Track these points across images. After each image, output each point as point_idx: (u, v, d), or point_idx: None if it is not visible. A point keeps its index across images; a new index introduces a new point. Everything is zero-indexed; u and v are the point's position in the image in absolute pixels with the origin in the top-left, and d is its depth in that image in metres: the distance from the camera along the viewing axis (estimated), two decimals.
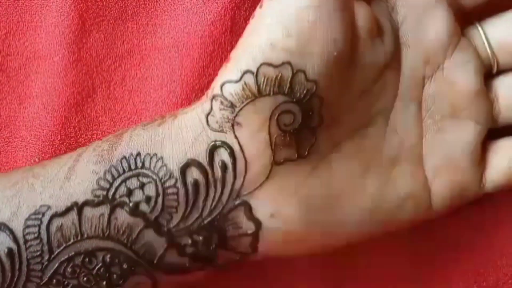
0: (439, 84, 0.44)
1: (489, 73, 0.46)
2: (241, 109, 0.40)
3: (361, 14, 0.42)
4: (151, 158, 0.41)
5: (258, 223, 0.42)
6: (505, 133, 0.47)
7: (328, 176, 0.42)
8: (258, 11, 0.41)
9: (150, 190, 0.41)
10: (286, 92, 0.40)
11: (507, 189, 0.45)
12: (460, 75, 0.44)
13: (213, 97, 0.41)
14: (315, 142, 0.42)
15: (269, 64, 0.40)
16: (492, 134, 0.46)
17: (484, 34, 0.46)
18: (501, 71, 0.46)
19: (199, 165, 0.41)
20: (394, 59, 0.44)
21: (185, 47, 0.48)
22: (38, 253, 0.40)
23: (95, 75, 0.48)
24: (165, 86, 0.48)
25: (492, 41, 0.46)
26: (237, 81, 0.40)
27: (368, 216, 0.43)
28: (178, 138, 0.41)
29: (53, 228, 0.40)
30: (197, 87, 0.47)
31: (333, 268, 0.50)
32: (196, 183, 0.41)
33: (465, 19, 0.46)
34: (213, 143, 0.41)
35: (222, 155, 0.41)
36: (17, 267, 0.40)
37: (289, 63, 0.40)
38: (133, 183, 0.41)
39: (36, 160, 0.47)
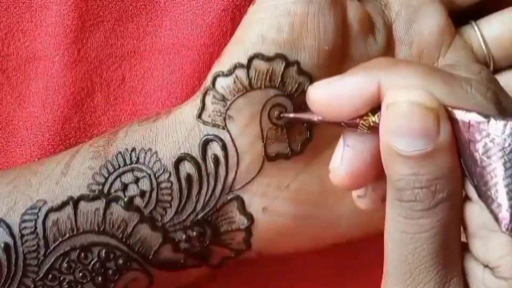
0: None
1: None
2: (232, 102, 0.43)
3: (353, 9, 0.45)
4: (145, 153, 0.44)
5: (250, 218, 0.44)
6: None
7: (321, 172, 0.45)
8: (250, 8, 0.44)
9: (145, 185, 0.44)
10: (277, 85, 0.43)
11: None
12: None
13: (206, 91, 0.44)
14: (309, 138, 0.44)
15: (261, 57, 0.43)
16: None
17: (480, 32, 0.48)
18: (498, 70, 0.48)
19: (192, 159, 0.43)
20: (388, 55, 0.46)
21: (185, 48, 0.50)
22: (34, 247, 0.43)
23: (95, 75, 0.50)
24: (165, 87, 0.50)
25: (488, 40, 0.48)
26: (228, 74, 0.43)
27: (359, 215, 0.45)
28: (172, 133, 0.44)
29: (49, 222, 0.43)
30: (197, 88, 0.48)
31: (333, 268, 0.52)
32: (189, 177, 0.43)
33: (461, 19, 0.48)
34: (205, 137, 0.44)
35: (215, 148, 0.44)
36: (13, 261, 0.43)
37: (280, 56, 0.43)
38: (128, 177, 0.44)
39: (36, 160, 0.49)
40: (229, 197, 0.44)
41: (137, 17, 0.50)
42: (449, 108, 0.35)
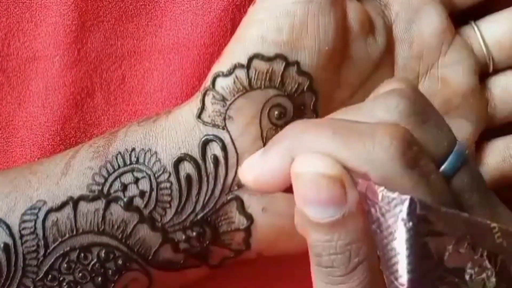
0: (432, 81, 0.47)
1: (485, 72, 0.48)
2: (232, 102, 0.43)
3: (353, 10, 0.45)
4: (145, 153, 0.44)
5: (250, 218, 0.45)
6: (503, 132, 0.48)
7: None
8: (250, 8, 0.44)
9: (144, 185, 0.44)
10: (277, 86, 0.43)
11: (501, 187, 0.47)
12: (453, 73, 0.47)
13: (205, 91, 0.44)
14: None
15: (260, 57, 0.43)
16: (490, 134, 0.48)
17: (480, 33, 0.48)
18: (498, 70, 0.48)
19: (192, 159, 0.44)
20: (388, 55, 0.46)
21: (185, 48, 0.50)
22: (34, 248, 0.43)
23: (95, 75, 0.50)
24: (165, 87, 0.50)
25: (488, 40, 0.48)
26: (228, 74, 0.43)
27: None
28: (172, 133, 0.44)
29: (49, 223, 0.43)
30: (197, 89, 0.48)
31: None
32: (189, 178, 0.44)
33: (461, 19, 0.48)
34: (205, 137, 0.44)
35: (214, 149, 0.44)
36: (13, 262, 0.43)
37: (280, 56, 0.43)
38: (128, 178, 0.44)
39: (36, 160, 0.49)
40: (228, 197, 0.44)
41: (137, 17, 0.50)
42: (352, 176, 0.35)
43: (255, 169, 0.38)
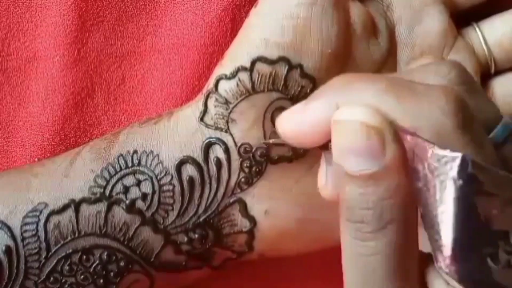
0: None
1: (487, 73, 0.48)
2: (235, 105, 0.43)
3: (356, 12, 0.44)
4: (147, 155, 0.43)
5: (253, 221, 0.44)
6: None
7: None
8: (253, 11, 0.44)
9: (146, 187, 0.43)
10: (280, 89, 0.43)
11: None
12: None
13: (208, 94, 0.43)
14: None
15: (264, 60, 0.42)
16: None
17: (482, 34, 0.48)
18: (499, 71, 0.48)
19: (194, 162, 0.43)
20: (390, 57, 0.46)
21: (185, 48, 0.50)
22: (36, 250, 0.43)
23: (95, 75, 0.50)
24: (165, 87, 0.50)
25: (490, 41, 0.48)
26: (231, 77, 0.43)
27: None
28: (174, 135, 0.44)
29: (51, 225, 0.43)
30: (197, 89, 0.49)
31: (333, 269, 0.51)
32: (191, 180, 0.43)
33: (463, 20, 0.48)
34: (208, 140, 0.43)
35: (217, 151, 0.43)
36: (15, 264, 0.42)
37: (283, 59, 0.42)
38: (130, 180, 0.43)
39: (36, 160, 0.49)
40: (231, 200, 0.44)
41: (137, 17, 0.50)
42: (397, 131, 0.34)
43: (296, 118, 0.37)
